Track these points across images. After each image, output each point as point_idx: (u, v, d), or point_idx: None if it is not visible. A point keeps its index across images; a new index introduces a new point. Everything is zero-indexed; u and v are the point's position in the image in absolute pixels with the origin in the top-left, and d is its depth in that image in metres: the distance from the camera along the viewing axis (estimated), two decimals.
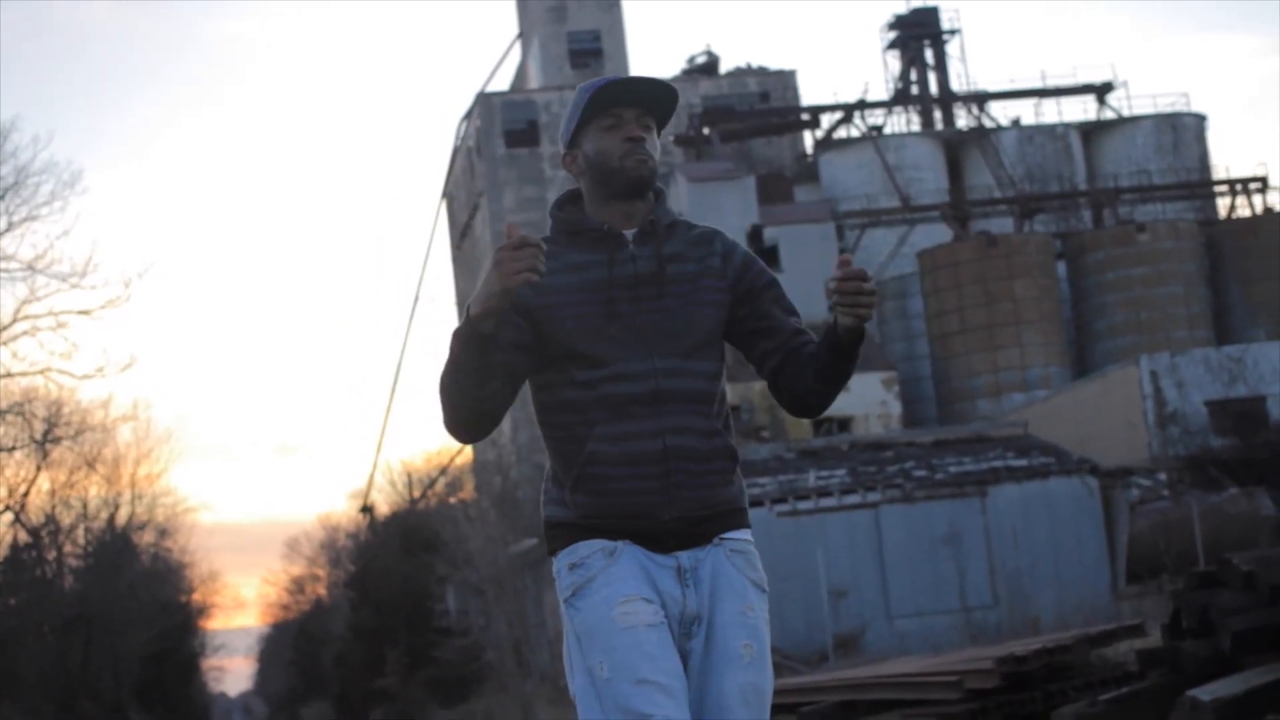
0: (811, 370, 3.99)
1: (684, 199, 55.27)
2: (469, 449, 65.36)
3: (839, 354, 3.94)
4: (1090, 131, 67.51)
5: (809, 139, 69.31)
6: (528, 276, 3.66)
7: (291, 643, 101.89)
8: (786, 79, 69.68)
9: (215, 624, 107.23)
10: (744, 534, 4.01)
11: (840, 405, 50.25)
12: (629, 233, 4.02)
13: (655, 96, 4.03)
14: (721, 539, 3.95)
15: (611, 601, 3.82)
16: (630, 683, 3.73)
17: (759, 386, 49.29)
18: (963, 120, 68.41)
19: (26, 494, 43.04)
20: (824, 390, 4.02)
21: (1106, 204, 60.16)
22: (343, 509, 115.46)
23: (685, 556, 3.90)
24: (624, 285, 3.95)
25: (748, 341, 4.08)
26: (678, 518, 3.89)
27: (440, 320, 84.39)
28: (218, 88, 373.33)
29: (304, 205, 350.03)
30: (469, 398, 3.84)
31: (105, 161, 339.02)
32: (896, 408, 50.94)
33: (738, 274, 4.07)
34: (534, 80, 70.55)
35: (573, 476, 3.90)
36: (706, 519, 3.93)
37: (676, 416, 3.90)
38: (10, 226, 36.82)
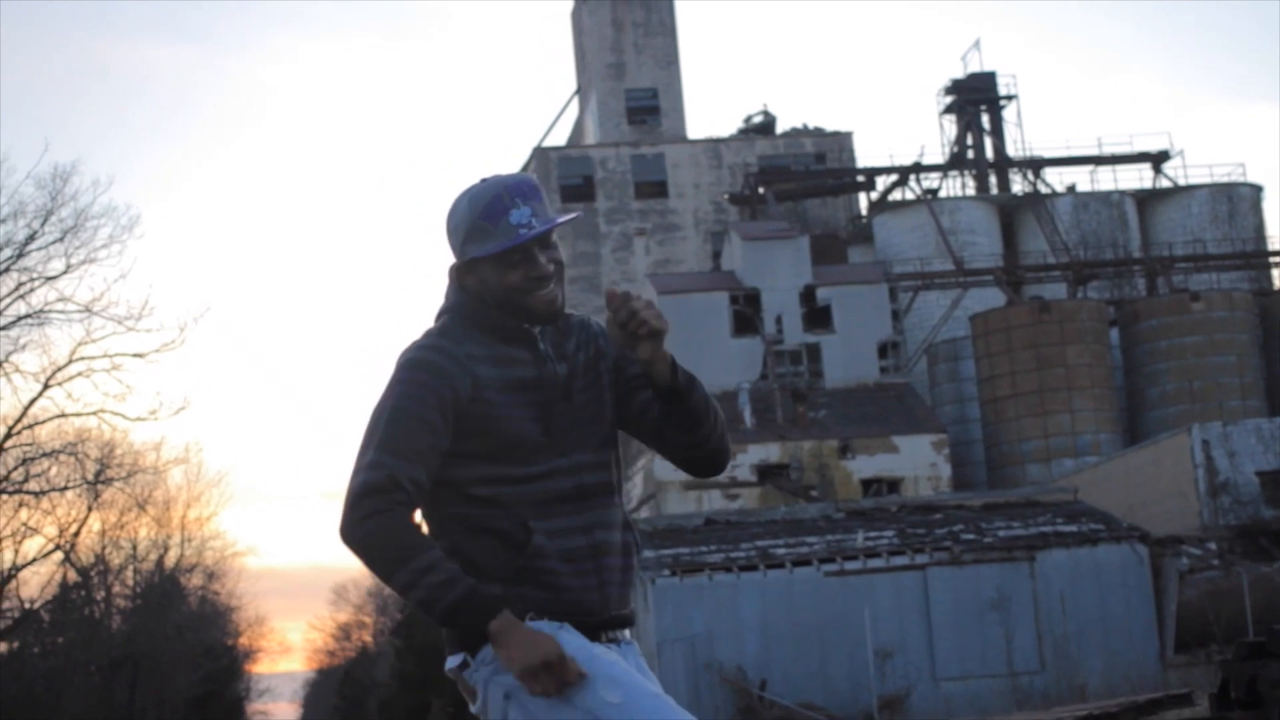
0: (672, 426, 3.87)
1: (738, 257, 55.41)
2: None
3: (672, 399, 3.83)
4: (1145, 199, 67.42)
5: (864, 200, 69.52)
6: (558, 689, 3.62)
7: (337, 689, 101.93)
8: (842, 140, 69.86)
9: (261, 668, 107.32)
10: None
11: (890, 466, 50.18)
12: (535, 330, 3.89)
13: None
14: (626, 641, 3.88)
15: (605, 655, 3.71)
16: (647, 695, 3.62)
17: (808, 445, 49.27)
18: (1018, 185, 68.44)
19: (77, 534, 43.36)
20: (695, 441, 3.87)
21: (1160, 272, 60.01)
22: None
23: (612, 649, 3.81)
24: (551, 385, 3.85)
25: (629, 399, 3.95)
26: (610, 617, 3.83)
27: None
28: (278, 133, 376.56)
29: (361, 254, 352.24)
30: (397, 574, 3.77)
31: (164, 203, 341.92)
32: (946, 470, 50.80)
33: (612, 350, 3.97)
34: (591, 136, 70.96)
35: (514, 569, 3.75)
36: (625, 619, 3.88)
37: (599, 511, 3.84)
38: (69, 268, 37.22)
